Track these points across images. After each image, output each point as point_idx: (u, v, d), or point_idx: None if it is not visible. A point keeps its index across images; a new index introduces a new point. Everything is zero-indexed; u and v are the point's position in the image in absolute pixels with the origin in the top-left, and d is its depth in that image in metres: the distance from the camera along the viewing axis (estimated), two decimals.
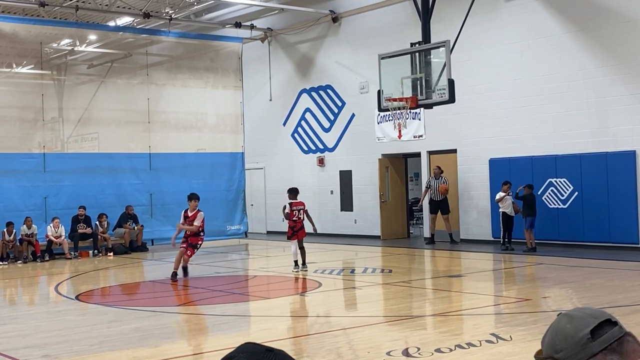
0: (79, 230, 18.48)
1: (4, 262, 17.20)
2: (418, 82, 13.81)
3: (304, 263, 13.98)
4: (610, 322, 1.59)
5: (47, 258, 17.76)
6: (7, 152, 18.42)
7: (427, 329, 8.95)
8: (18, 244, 17.69)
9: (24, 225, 17.69)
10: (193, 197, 13.52)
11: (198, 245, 13.45)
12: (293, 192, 14.30)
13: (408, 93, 13.76)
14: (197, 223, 13.20)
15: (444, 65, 13.45)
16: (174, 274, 13.14)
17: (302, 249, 14.01)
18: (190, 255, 13.38)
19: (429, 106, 14.52)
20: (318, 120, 22.48)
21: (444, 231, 18.64)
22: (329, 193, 22.15)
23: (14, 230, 17.58)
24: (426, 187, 18.91)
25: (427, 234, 19.62)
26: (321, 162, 22.40)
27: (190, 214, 13.32)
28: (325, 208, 22.25)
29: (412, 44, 14.30)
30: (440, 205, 18.51)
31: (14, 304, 12.70)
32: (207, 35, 23.01)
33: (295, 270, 13.84)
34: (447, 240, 18.46)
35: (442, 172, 18.56)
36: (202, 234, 13.38)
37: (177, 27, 22.52)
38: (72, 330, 9.00)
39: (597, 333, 1.57)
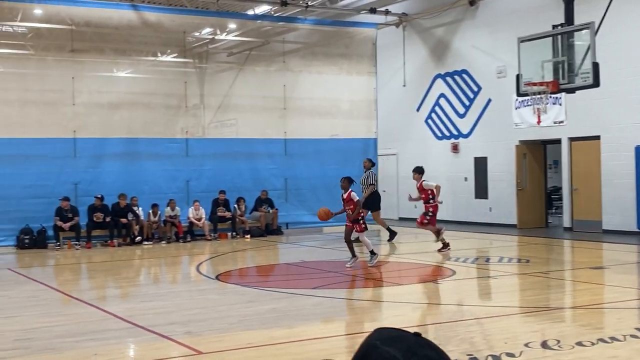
0: (218, 213, 19.17)
1: (149, 242, 18.14)
2: (560, 65, 13.30)
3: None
4: None
5: (188, 239, 18.56)
6: (153, 137, 19.35)
7: (566, 321, 8.64)
8: (162, 225, 18.60)
9: (168, 207, 18.57)
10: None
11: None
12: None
13: (549, 77, 13.30)
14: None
15: (588, 48, 12.87)
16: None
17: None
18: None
19: (571, 90, 13.97)
20: (452, 105, 22.13)
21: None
22: (462, 180, 21.80)
23: (159, 212, 18.50)
24: (370, 184, 17.19)
25: (567, 223, 18.93)
26: (455, 148, 22.07)
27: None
28: (459, 195, 21.94)
29: (554, 26, 13.78)
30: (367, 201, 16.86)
31: (158, 282, 13.37)
32: (342, 21, 23.15)
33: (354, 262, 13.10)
34: (587, 230, 17.72)
35: (373, 164, 17.53)
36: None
37: (313, 14, 22.78)
38: (212, 308, 9.35)
39: None
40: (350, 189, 12.93)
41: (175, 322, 8.40)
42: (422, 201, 15.27)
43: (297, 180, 20.92)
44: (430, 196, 14.97)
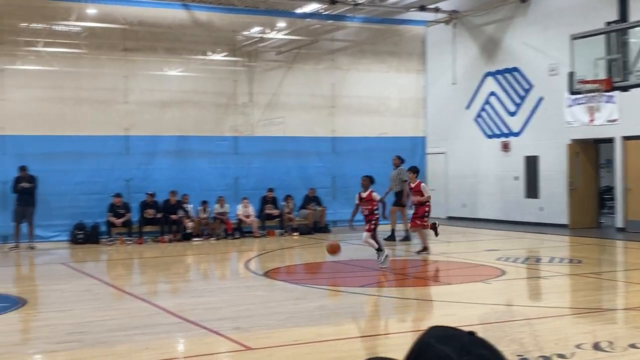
0: (267, 211, 19.30)
1: (198, 239, 18.35)
2: (613, 63, 13.06)
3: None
4: None
5: (237, 236, 18.73)
6: (203, 134, 19.58)
7: (619, 323, 8.49)
8: (211, 221, 18.80)
9: (217, 204, 18.77)
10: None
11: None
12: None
13: (602, 75, 13.08)
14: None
15: None
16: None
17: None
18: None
19: (625, 89, 13.70)
20: (503, 103, 21.87)
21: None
22: (512, 179, 21.53)
23: (209, 209, 18.71)
24: (404, 181, 16.87)
25: (620, 223, 18.53)
26: (505, 147, 21.80)
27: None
28: (508, 194, 21.68)
29: (607, 23, 13.53)
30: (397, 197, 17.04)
31: (207, 278, 13.53)
32: (391, 19, 23.07)
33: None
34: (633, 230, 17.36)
35: (402, 161, 17.31)
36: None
37: (362, 12, 22.74)
38: (261, 305, 9.42)
39: None
40: (370, 189, 12.81)
41: (225, 318, 8.50)
42: (414, 204, 14.90)
43: (345, 178, 20.89)
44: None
